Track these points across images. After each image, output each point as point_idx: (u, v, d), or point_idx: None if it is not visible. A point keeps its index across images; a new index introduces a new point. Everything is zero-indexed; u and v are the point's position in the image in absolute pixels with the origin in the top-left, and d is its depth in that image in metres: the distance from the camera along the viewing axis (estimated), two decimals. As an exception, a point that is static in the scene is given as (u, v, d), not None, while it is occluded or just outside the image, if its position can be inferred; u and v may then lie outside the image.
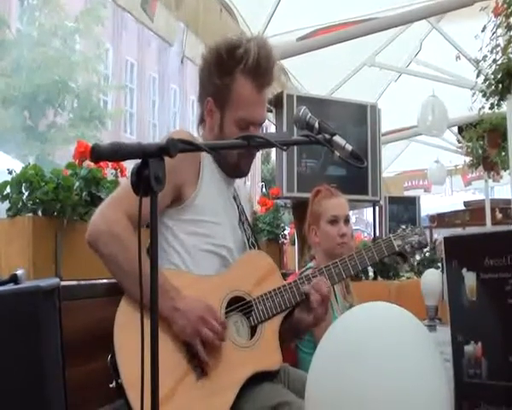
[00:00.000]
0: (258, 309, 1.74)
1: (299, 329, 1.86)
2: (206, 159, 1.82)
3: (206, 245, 1.76)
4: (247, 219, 1.97)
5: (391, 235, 2.00)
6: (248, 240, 1.93)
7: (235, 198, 1.96)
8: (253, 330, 1.73)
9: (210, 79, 1.85)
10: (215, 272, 1.76)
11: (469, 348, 0.97)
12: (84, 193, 2.14)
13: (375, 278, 4.69)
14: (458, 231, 7.01)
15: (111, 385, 1.55)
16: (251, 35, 1.88)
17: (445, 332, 1.05)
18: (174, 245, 1.76)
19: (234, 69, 1.80)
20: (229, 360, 1.64)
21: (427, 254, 5.05)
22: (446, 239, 1.00)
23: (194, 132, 1.94)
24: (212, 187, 1.81)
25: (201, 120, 1.92)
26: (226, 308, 1.70)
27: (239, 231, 1.91)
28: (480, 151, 5.74)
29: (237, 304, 1.73)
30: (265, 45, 1.82)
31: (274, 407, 1.61)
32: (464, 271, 0.98)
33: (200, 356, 1.60)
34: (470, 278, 0.97)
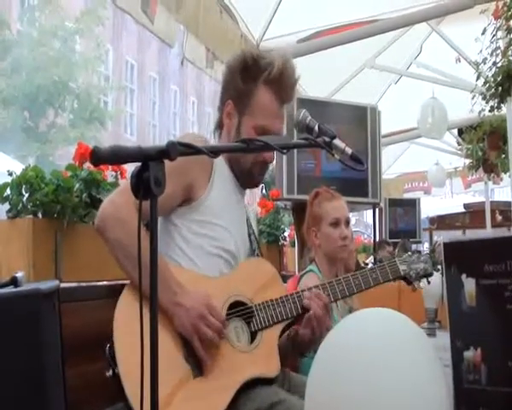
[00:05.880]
0: (259, 316, 1.73)
1: (303, 346, 1.85)
2: (219, 165, 1.82)
3: (212, 247, 1.76)
4: (254, 232, 1.99)
5: (396, 258, 1.94)
6: (254, 251, 1.94)
7: (245, 210, 1.97)
8: (252, 337, 1.72)
9: (232, 83, 1.87)
10: (218, 275, 1.75)
11: (469, 354, 0.97)
12: (84, 195, 2.14)
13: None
14: (458, 234, 7.02)
15: (107, 374, 1.53)
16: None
17: (444, 337, 1.05)
18: (180, 244, 1.75)
19: (258, 76, 1.84)
20: (228, 362, 1.63)
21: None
22: (446, 245, 1.00)
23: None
24: (222, 192, 1.81)
25: (219, 126, 1.93)
26: (227, 311, 1.69)
27: (247, 242, 1.92)
28: (480, 153, 5.76)
29: (238, 308, 1.72)
30: (290, 63, 1.87)
31: (269, 407, 1.59)
32: (464, 277, 0.98)
33: (198, 353, 1.59)
34: (470, 284, 0.97)
